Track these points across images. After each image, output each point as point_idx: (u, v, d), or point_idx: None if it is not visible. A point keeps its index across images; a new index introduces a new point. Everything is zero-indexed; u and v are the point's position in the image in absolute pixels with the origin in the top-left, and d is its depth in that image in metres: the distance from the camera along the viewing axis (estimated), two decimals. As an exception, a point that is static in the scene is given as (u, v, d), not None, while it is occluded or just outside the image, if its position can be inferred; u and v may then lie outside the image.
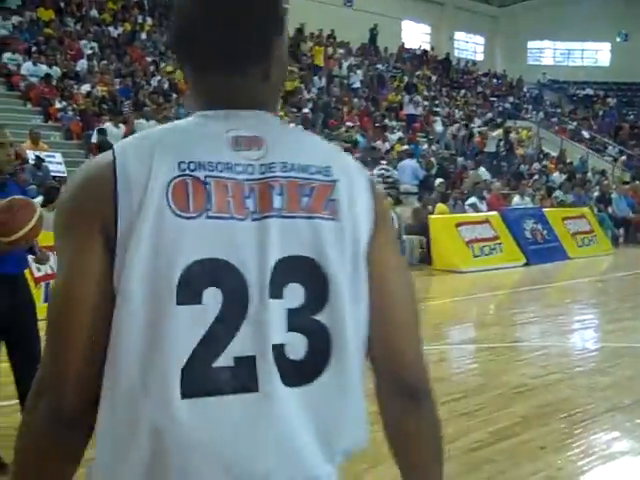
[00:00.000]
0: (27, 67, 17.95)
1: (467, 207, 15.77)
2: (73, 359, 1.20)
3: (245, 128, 1.26)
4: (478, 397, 5.86)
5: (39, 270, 8.60)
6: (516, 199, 16.97)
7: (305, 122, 20.70)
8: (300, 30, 28.43)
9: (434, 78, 30.62)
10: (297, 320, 1.21)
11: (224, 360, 1.18)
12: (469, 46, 38.47)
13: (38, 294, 8.56)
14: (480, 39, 38.68)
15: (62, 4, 21.86)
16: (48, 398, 1.21)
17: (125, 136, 16.03)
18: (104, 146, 15.59)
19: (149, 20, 24.12)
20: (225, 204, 1.20)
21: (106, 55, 20.26)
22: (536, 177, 21.48)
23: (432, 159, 19.84)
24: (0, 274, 4.09)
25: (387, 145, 19.92)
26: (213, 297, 1.18)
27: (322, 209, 1.24)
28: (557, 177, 22.10)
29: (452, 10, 35.76)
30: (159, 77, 20.33)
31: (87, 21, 21.77)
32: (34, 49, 18.70)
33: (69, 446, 1.23)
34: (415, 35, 35.64)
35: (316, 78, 25.14)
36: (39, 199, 10.14)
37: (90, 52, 19.88)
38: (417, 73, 29.94)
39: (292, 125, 1.63)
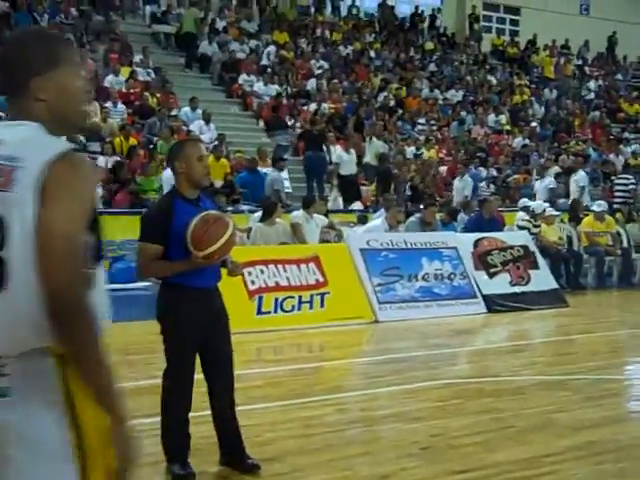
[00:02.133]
0: (260, 87, 18.89)
1: None
2: None
3: (3, 134, 2.04)
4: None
5: (253, 283, 8.85)
6: None
7: (532, 136, 20.08)
8: (532, 42, 27.67)
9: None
10: None
11: None
12: None
13: (252, 307, 8.87)
14: None
15: (296, 27, 22.85)
16: None
17: (358, 163, 16.19)
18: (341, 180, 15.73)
19: (379, 38, 24.54)
20: None
21: (335, 74, 20.85)
22: None
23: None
24: (196, 287, 4.20)
25: (621, 158, 18.82)
26: None
27: (7, 185, 1.95)
28: None
29: (701, 12, 33.17)
30: (386, 93, 20.59)
31: (318, 42, 22.54)
32: (268, 70, 19.63)
33: None
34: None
35: (547, 90, 24.35)
36: (258, 214, 10.55)
37: (320, 71, 20.55)
38: (659, 81, 28.11)
39: (43, 132, 1.95)
